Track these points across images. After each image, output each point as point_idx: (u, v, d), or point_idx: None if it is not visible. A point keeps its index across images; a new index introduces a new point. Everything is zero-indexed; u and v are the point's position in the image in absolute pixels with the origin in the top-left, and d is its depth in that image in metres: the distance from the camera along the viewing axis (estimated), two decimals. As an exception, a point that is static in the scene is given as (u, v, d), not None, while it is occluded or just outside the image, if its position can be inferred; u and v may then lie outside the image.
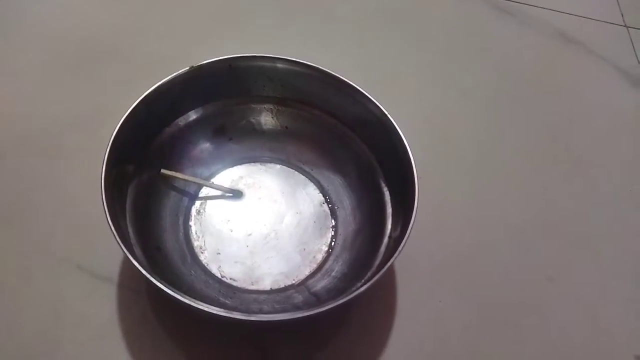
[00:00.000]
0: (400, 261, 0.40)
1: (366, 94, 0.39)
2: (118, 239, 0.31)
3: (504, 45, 0.59)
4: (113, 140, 0.34)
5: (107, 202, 0.32)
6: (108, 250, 0.38)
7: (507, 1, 0.63)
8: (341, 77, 0.40)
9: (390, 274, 0.41)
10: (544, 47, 0.60)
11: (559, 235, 0.46)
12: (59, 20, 0.53)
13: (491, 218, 0.46)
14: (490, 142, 0.51)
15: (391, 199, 0.39)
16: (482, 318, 0.40)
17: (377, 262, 0.36)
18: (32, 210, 0.41)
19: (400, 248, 0.33)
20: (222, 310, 0.29)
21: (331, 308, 0.30)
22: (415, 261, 0.41)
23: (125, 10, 0.55)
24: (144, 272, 0.30)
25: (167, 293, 0.29)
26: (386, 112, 0.38)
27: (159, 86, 0.37)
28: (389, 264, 0.32)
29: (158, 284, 0.30)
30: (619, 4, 0.67)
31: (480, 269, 0.43)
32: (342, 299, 0.30)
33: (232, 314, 0.29)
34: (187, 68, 0.38)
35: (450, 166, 0.49)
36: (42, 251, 0.39)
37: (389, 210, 0.39)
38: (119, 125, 0.35)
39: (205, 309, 0.29)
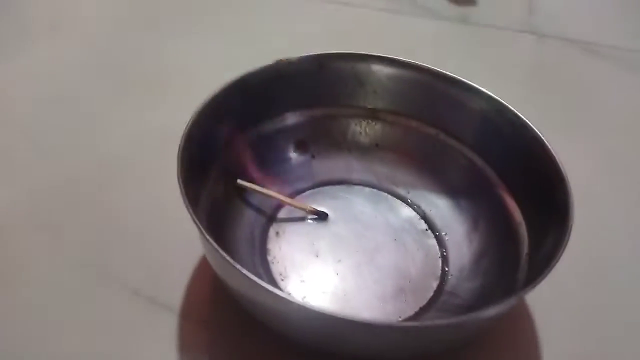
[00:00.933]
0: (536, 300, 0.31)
1: (480, 88, 0.34)
2: (200, 227, 0.24)
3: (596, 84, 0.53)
4: (189, 131, 0.29)
5: (185, 191, 0.26)
6: (171, 276, 0.32)
7: (606, 47, 0.58)
8: (448, 74, 0.35)
9: (526, 314, 0.31)
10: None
11: None
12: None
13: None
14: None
15: (522, 210, 0.31)
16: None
17: (517, 285, 0.27)
18: (89, 230, 0.35)
19: (558, 255, 0.24)
20: (333, 312, 0.21)
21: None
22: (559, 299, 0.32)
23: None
24: (229, 260, 0.23)
25: (258, 283, 0.22)
26: (514, 109, 0.32)
27: (241, 78, 0.33)
28: (543, 275, 0.24)
29: (247, 273, 0.22)
30: None
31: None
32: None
33: (347, 316, 0.21)
34: (274, 62, 0.34)
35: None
36: (98, 273, 0.32)
37: (522, 225, 0.31)
38: (198, 111, 0.30)
39: (313, 309, 0.21)
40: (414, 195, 0.37)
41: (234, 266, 0.23)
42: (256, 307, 0.26)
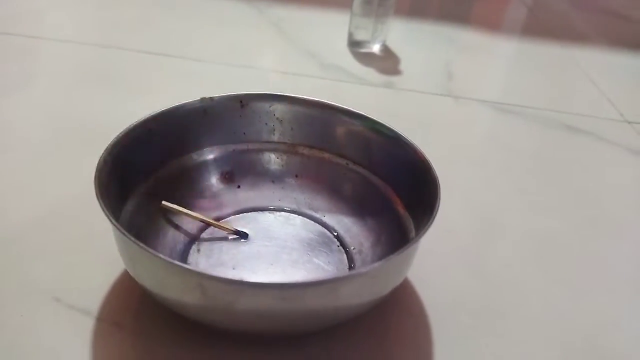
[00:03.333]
0: (435, 308, 0.35)
1: (369, 116, 0.39)
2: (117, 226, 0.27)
3: (517, 140, 0.60)
4: (108, 152, 0.33)
5: (102, 200, 0.29)
6: (89, 282, 0.34)
7: (513, 105, 0.66)
8: (352, 109, 0.40)
9: (425, 326, 0.34)
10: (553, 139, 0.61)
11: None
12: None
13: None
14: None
15: (413, 222, 0.35)
16: None
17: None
18: (15, 241, 0.37)
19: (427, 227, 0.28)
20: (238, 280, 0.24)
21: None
22: (452, 310, 0.36)
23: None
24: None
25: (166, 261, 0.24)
26: (399, 132, 0.37)
27: (166, 110, 0.37)
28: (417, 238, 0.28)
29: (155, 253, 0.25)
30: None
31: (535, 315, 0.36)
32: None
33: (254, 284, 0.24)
34: (199, 99, 0.39)
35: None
36: (17, 281, 0.34)
37: (412, 232, 0.35)
38: (120, 135, 0.34)
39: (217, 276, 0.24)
40: (329, 218, 0.41)
41: (135, 243, 0.25)
42: (161, 289, 0.28)
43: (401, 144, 0.37)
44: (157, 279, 0.28)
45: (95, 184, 0.30)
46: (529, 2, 1.10)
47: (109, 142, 0.33)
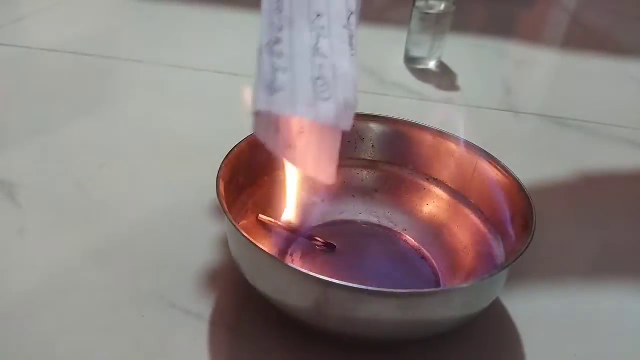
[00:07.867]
0: (521, 318, 0.37)
1: (446, 131, 0.42)
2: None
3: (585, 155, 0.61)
4: (222, 167, 0.36)
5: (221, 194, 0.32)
6: (202, 288, 0.37)
7: (574, 120, 0.67)
8: (432, 127, 0.43)
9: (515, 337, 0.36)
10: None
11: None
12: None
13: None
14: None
15: (498, 238, 0.37)
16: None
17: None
18: (123, 248, 0.41)
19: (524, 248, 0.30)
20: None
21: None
22: (539, 319, 0.37)
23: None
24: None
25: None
26: (480, 147, 0.39)
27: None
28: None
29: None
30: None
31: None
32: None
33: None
34: (289, 120, 0.42)
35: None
36: (133, 288, 0.37)
37: (494, 243, 0.37)
38: (228, 154, 0.37)
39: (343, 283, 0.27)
40: (410, 232, 0.43)
41: (263, 252, 0.28)
42: (280, 295, 0.31)
43: (484, 161, 0.39)
44: (278, 286, 0.30)
45: (219, 199, 0.33)
46: (572, 10, 1.10)
47: (221, 161, 0.36)
